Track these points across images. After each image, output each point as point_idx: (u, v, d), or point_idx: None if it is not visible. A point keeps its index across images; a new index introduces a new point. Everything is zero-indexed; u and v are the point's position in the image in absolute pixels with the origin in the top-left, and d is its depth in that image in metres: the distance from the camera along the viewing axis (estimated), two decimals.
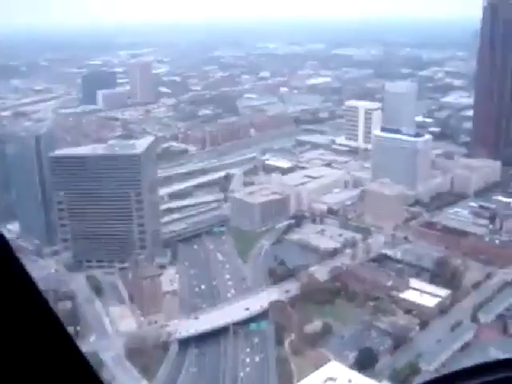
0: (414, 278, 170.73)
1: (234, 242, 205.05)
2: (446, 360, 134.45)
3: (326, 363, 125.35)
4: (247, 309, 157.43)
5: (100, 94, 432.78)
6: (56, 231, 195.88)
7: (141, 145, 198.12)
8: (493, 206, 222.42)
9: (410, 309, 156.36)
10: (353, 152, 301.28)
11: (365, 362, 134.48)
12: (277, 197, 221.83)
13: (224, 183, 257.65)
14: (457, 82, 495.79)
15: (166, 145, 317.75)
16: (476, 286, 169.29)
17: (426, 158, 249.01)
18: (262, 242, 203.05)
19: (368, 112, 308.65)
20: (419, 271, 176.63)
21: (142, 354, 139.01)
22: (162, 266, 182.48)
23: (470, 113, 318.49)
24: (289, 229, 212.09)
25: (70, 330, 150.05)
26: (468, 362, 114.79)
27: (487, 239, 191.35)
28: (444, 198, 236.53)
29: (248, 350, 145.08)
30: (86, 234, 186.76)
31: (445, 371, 8.83)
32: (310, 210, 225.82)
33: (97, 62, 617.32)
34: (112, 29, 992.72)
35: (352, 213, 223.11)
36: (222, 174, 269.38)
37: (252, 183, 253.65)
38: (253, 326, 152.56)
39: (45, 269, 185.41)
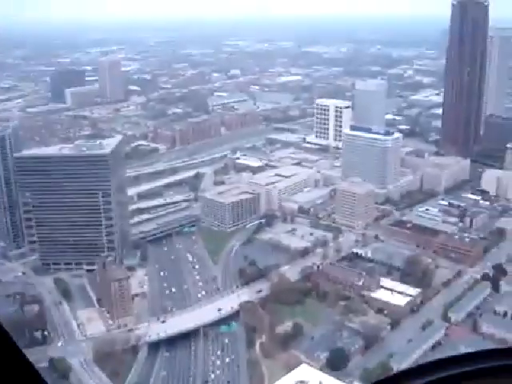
0: (385, 276, 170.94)
1: (204, 242, 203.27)
2: (417, 359, 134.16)
3: (297, 365, 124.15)
4: (220, 309, 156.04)
5: (68, 92, 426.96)
6: (23, 233, 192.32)
7: (108, 144, 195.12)
8: (462, 204, 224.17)
9: (381, 308, 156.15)
10: (323, 150, 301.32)
11: (336, 363, 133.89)
12: (247, 196, 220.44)
13: (194, 182, 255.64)
14: (426, 80, 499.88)
15: (135, 144, 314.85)
16: (446, 284, 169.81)
17: (396, 156, 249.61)
18: (232, 242, 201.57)
19: (338, 110, 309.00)
20: (390, 270, 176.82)
21: (111, 358, 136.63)
22: (132, 268, 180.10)
23: (440, 110, 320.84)
24: (259, 228, 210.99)
25: (37, 334, 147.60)
26: None
27: (457, 237, 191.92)
28: (414, 196, 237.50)
29: (219, 352, 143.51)
30: (54, 236, 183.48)
31: None
32: (281, 210, 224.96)
33: (66, 60, 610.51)
34: (81, 26, 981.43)
35: (323, 212, 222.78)
36: (192, 173, 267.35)
37: (223, 182, 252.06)
38: (223, 328, 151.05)
39: (11, 272, 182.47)
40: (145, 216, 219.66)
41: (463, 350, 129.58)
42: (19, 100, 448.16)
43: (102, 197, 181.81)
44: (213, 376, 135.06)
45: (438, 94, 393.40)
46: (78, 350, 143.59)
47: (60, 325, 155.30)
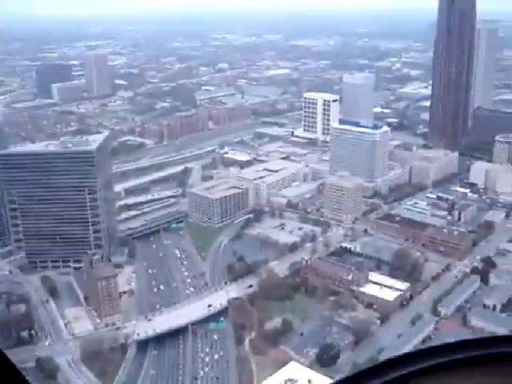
0: (374, 271, 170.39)
1: (192, 238, 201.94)
2: None
3: (286, 361, 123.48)
4: (209, 306, 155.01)
5: (55, 87, 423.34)
6: (9, 231, 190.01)
7: (95, 140, 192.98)
8: (451, 197, 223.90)
9: (371, 303, 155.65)
10: (312, 144, 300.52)
11: (326, 359, 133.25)
12: (236, 191, 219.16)
13: (182, 178, 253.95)
14: (414, 73, 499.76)
15: (122, 139, 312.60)
16: (435, 277, 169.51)
17: (384, 150, 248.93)
18: (220, 238, 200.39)
19: (326, 104, 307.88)
20: (379, 264, 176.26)
21: (99, 357, 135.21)
22: (119, 265, 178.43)
23: (428, 103, 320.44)
24: (248, 223, 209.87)
25: (24, 334, 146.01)
26: None
27: (446, 230, 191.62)
28: (403, 190, 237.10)
29: (207, 349, 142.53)
30: (40, 233, 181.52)
31: None
32: (270, 204, 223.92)
33: (53, 55, 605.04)
34: (67, 20, 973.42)
35: (311, 206, 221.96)
36: (180, 168, 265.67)
37: (211, 177, 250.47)
38: (212, 324, 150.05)
39: None
40: (132, 212, 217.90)
41: None
42: (5, 96, 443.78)
43: (89, 193, 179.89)
44: (202, 373, 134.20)
45: (425, 87, 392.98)
46: (66, 349, 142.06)
47: (47, 324, 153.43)
